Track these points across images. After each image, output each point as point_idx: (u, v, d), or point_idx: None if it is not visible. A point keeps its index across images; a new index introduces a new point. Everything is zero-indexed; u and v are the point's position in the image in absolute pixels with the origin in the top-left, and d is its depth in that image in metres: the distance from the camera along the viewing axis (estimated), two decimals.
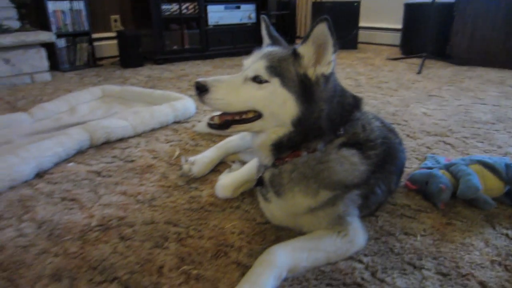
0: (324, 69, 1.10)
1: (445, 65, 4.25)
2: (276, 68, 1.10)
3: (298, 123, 1.12)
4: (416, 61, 4.38)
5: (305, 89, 1.10)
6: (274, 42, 1.27)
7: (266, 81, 1.10)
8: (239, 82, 1.14)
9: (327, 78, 1.12)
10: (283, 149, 1.17)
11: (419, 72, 3.87)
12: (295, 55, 1.12)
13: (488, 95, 3.06)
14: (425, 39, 4.25)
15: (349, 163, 1.16)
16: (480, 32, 4.06)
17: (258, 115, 1.14)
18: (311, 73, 1.11)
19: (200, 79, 1.13)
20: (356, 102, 1.24)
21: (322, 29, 1.04)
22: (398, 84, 3.44)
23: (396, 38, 5.39)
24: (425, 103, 2.84)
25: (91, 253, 1.21)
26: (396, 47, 5.34)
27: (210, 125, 1.21)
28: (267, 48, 1.20)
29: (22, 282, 1.10)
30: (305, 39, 1.10)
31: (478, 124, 2.38)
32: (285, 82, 1.10)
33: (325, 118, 1.13)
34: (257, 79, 1.11)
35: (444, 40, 4.38)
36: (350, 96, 1.24)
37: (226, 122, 1.18)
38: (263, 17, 1.30)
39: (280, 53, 1.14)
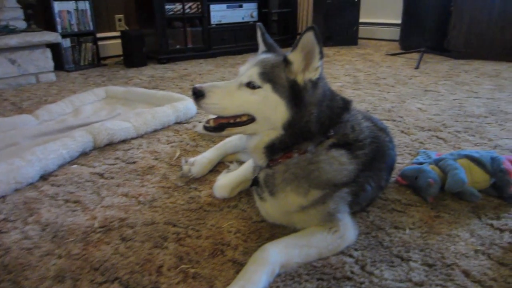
0: (311, 74, 1.16)
1: (442, 59, 4.28)
2: (268, 75, 1.17)
3: (288, 126, 1.18)
4: (415, 56, 4.40)
5: (295, 94, 1.16)
6: (269, 49, 1.32)
7: (259, 87, 1.17)
8: (234, 88, 1.20)
9: (315, 83, 1.18)
10: (275, 151, 1.23)
11: (417, 67, 3.90)
12: (286, 62, 1.18)
13: (482, 88, 3.10)
14: (424, 34, 4.27)
15: (338, 163, 1.22)
16: (477, 26, 4.10)
17: (251, 119, 1.20)
18: (300, 79, 1.17)
19: (197, 85, 1.20)
20: (345, 105, 1.29)
21: (309, 37, 1.10)
22: (396, 80, 3.48)
23: (395, 33, 5.40)
24: (421, 99, 2.87)
25: (93, 254, 1.27)
26: (396, 42, 5.36)
27: (206, 128, 1.27)
28: (262, 55, 1.26)
29: (26, 284, 1.15)
30: (294, 47, 1.16)
31: (471, 118, 2.42)
32: (276, 88, 1.16)
33: (315, 121, 1.19)
34: (250, 85, 1.17)
35: (442, 35, 4.40)
36: (339, 99, 1.29)
37: (221, 125, 1.25)
38: (259, 25, 1.35)
39: (272, 60, 1.20)
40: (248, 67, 1.22)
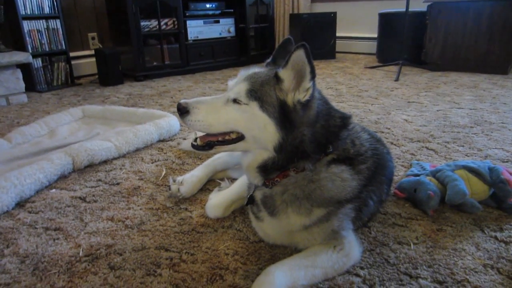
0: (301, 96, 1.08)
1: (420, 72, 4.36)
2: (256, 92, 1.09)
3: (280, 148, 1.10)
4: (393, 68, 4.47)
5: (285, 115, 1.09)
6: (274, 61, 1.28)
7: (245, 104, 1.10)
8: (221, 104, 1.13)
9: (305, 105, 1.09)
10: (269, 171, 1.16)
11: (396, 80, 3.95)
12: (277, 78, 1.09)
13: (463, 99, 3.15)
14: (400, 47, 4.34)
15: (340, 180, 1.16)
16: (452, 39, 4.20)
17: (241, 137, 1.14)
18: (290, 99, 1.09)
19: (182, 101, 1.14)
20: (343, 122, 1.21)
21: (300, 55, 1.02)
22: (378, 92, 3.50)
23: (372, 47, 5.49)
24: (405, 110, 2.89)
25: (79, 286, 1.16)
26: (373, 55, 5.44)
27: (193, 146, 1.20)
28: (253, 69, 1.19)
29: None
30: (285, 63, 1.07)
31: (457, 128, 2.43)
32: (264, 107, 1.08)
33: (309, 142, 1.11)
34: (237, 101, 1.11)
35: (419, 47, 4.49)
36: (337, 117, 1.21)
37: (209, 143, 1.18)
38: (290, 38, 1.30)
39: (263, 76, 1.13)
40: (238, 82, 1.15)
